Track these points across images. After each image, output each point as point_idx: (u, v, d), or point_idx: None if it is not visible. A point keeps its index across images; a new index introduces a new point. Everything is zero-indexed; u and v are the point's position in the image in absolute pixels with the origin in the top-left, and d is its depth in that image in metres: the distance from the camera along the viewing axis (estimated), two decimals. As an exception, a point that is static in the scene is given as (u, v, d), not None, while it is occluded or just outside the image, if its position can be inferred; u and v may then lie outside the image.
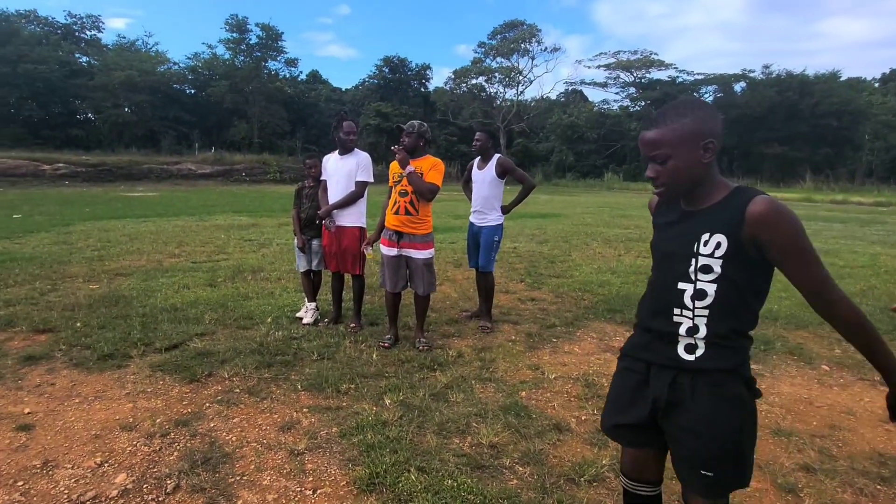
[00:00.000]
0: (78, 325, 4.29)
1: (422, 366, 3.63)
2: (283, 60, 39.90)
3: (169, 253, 7.67)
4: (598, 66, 46.57)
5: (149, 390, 3.19)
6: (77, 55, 35.51)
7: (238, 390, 3.21)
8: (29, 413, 2.87)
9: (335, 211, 4.34)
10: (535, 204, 18.19)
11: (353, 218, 4.39)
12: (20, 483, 2.26)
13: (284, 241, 8.95)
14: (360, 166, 4.33)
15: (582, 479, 2.37)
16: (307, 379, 3.37)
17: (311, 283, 4.70)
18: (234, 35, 37.23)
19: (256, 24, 37.34)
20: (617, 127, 46.88)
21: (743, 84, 43.67)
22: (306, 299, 4.70)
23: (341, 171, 4.35)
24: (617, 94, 49.46)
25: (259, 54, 38.07)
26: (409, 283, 4.08)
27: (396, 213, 3.93)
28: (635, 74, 45.97)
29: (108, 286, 5.63)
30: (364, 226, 4.45)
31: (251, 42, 37.78)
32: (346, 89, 49.37)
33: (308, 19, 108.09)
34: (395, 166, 3.96)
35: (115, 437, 2.66)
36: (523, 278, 6.54)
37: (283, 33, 38.42)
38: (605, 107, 49.83)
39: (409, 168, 3.82)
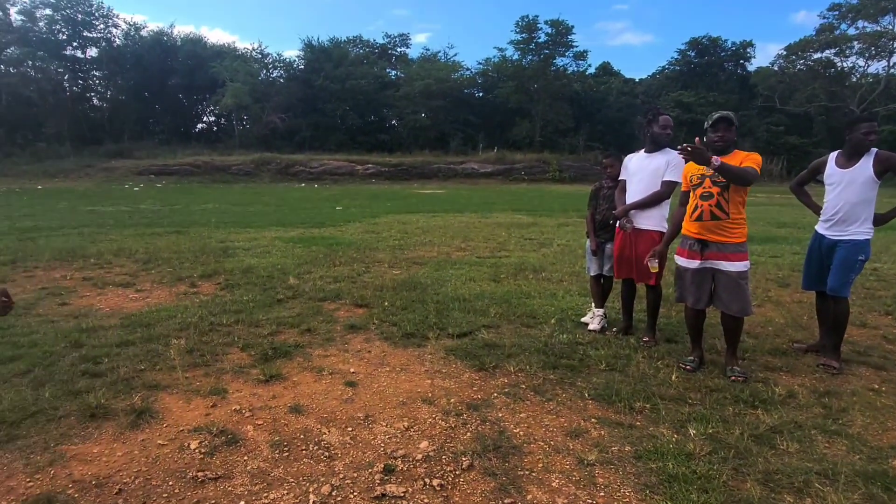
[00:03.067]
0: (385, 304, 5.22)
1: (737, 399, 3.24)
2: (571, 55, 41.28)
3: (456, 247, 8.73)
4: None
5: (443, 371, 3.66)
6: (388, 70, 43.79)
7: (524, 386, 3.42)
8: (353, 372, 3.61)
9: (634, 212, 4.24)
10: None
11: (653, 221, 4.20)
12: (349, 429, 2.86)
13: (565, 241, 9.23)
14: (671, 165, 4.12)
15: None
16: (594, 388, 3.37)
17: (601, 289, 4.69)
18: (524, 35, 40.19)
19: (546, 22, 39.55)
20: None
21: None
22: (593, 304, 4.72)
23: (647, 168, 4.22)
24: None
25: (547, 51, 40.20)
26: (715, 300, 3.70)
27: (699, 219, 3.60)
28: None
29: (407, 272, 6.72)
30: (665, 230, 4.21)
31: (539, 41, 40.18)
32: (640, 79, 48.06)
33: (602, 8, 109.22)
34: (690, 167, 3.68)
35: (417, 407, 3.13)
36: (890, 311, 5.28)
37: (573, 27, 39.77)
38: None
39: (716, 160, 3.32)
